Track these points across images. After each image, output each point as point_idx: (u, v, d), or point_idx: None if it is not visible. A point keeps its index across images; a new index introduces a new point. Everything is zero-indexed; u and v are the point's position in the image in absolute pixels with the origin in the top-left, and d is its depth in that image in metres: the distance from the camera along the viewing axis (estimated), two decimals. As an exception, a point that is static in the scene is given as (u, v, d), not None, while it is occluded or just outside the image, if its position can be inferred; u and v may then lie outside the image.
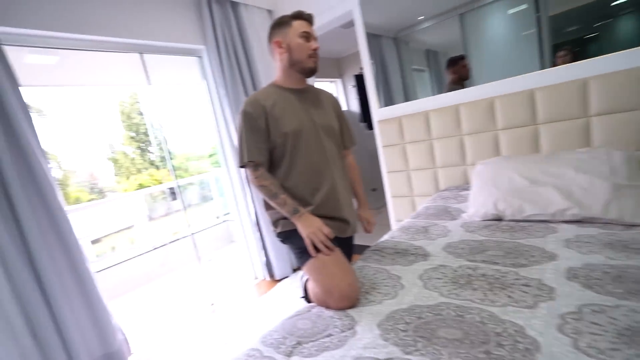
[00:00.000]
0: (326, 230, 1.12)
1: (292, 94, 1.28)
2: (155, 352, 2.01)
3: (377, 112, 2.35)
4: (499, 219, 1.40)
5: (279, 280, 2.61)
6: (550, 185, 1.29)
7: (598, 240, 1.06)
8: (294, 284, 2.44)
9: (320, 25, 2.49)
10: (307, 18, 1.26)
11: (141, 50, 2.21)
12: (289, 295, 2.28)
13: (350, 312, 0.95)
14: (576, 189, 1.24)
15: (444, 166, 2.06)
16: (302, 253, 1.16)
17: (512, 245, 1.15)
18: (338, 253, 1.13)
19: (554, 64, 1.65)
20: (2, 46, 1.54)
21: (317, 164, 1.24)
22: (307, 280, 1.34)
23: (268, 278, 2.70)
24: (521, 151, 1.74)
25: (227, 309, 2.37)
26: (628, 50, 1.44)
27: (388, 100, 2.36)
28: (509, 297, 0.85)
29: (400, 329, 0.82)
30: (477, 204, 1.48)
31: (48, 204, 1.59)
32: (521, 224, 1.31)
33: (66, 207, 1.68)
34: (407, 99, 2.28)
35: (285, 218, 1.24)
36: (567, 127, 1.59)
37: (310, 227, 1.12)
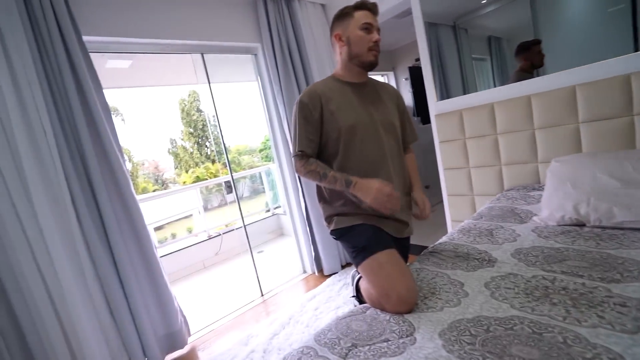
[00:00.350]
0: (387, 189, 1.05)
1: (351, 88, 1.24)
2: (211, 335, 2.13)
3: (435, 105, 2.21)
4: (580, 224, 1.23)
5: (328, 276, 2.61)
6: (651, 188, 1.09)
7: None
8: (343, 280, 2.42)
9: (374, 16, 2.41)
10: (371, 8, 1.19)
11: (203, 50, 2.33)
12: (338, 292, 2.27)
13: (408, 317, 0.90)
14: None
15: (510, 163, 1.88)
16: (357, 252, 1.13)
17: (599, 256, 0.99)
18: (395, 254, 1.08)
19: None
20: (90, 53, 1.72)
21: (373, 161, 1.20)
22: (358, 280, 1.31)
23: (317, 273, 2.72)
24: (609, 147, 1.51)
25: (276, 300, 2.44)
26: None
27: (445, 92, 2.21)
28: (600, 317, 0.73)
29: (466, 341, 0.75)
30: (552, 206, 1.31)
31: (123, 194, 1.76)
32: (609, 231, 1.14)
33: (137, 197, 1.84)
34: (466, 90, 2.12)
35: (339, 214, 1.22)
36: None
37: (370, 193, 1.07)
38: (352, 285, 1.36)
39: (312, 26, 2.57)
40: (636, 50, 1.44)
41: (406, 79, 4.21)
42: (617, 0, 1.47)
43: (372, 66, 1.22)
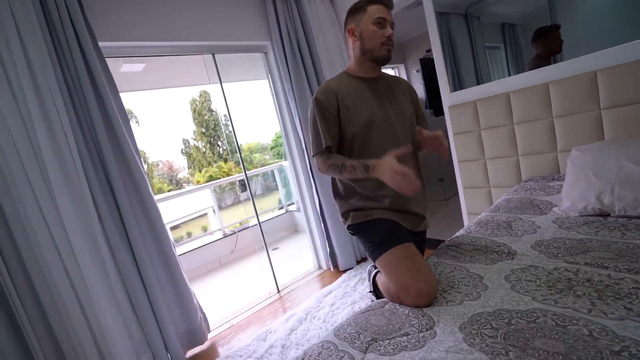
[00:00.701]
0: (398, 167, 0.97)
1: (365, 84, 1.23)
2: (230, 331, 2.17)
3: (448, 97, 2.17)
4: (604, 214, 1.19)
5: (343, 272, 2.62)
6: (680, 175, 1.05)
7: None
8: (358, 276, 2.43)
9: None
10: (385, 2, 1.17)
11: (214, 50, 2.36)
12: (353, 287, 2.27)
13: (427, 311, 0.90)
14: None
15: (528, 154, 1.83)
16: (374, 247, 1.13)
17: (625, 246, 0.96)
18: (412, 248, 1.08)
19: None
20: (106, 59, 1.76)
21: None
22: (375, 275, 1.31)
23: (332, 268, 2.73)
24: (633, 134, 1.45)
25: (292, 296, 2.46)
26: None
27: (458, 83, 2.17)
28: (628, 309, 0.71)
29: (487, 335, 0.74)
30: (573, 197, 1.28)
31: (141, 194, 1.80)
32: (636, 221, 1.10)
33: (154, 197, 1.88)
34: (479, 80, 2.07)
35: (355, 210, 1.22)
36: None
37: (386, 172, 0.99)
38: (369, 280, 1.36)
39: (321, 22, 2.55)
40: None
41: (417, 71, 4.15)
42: None
43: (385, 61, 1.21)
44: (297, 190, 2.81)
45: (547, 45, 1.73)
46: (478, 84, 2.04)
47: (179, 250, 3.97)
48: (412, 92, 1.37)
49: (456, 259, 1.14)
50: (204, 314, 2.09)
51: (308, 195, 2.69)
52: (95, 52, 1.68)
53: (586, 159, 1.35)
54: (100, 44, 1.74)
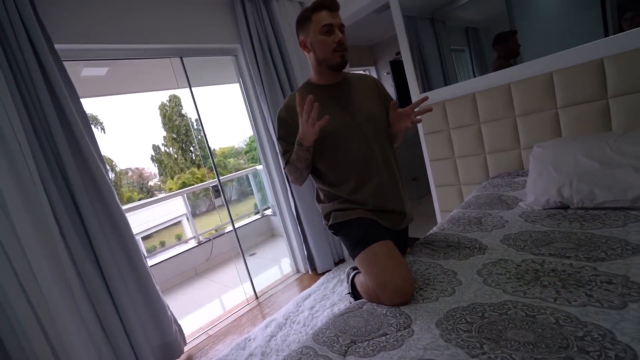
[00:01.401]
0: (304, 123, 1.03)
1: (328, 92, 1.23)
2: (208, 342, 2.10)
3: (418, 97, 2.23)
4: (564, 207, 1.26)
5: (322, 274, 2.61)
6: (630, 167, 1.13)
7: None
8: (337, 277, 2.43)
9: (353, 12, 2.41)
10: (329, 6, 1.13)
11: (182, 54, 2.29)
12: (332, 289, 2.27)
13: (405, 309, 0.91)
14: (661, 171, 1.08)
15: (494, 151, 1.92)
16: (354, 245, 1.14)
17: (583, 236, 1.03)
18: (391, 245, 1.10)
19: (621, 29, 1.45)
20: (63, 62, 1.66)
21: (362, 160, 1.20)
22: (354, 277, 1.32)
23: (310, 271, 2.71)
24: (587, 131, 1.56)
25: (271, 302, 2.42)
26: None
27: (426, 84, 2.23)
28: (589, 295, 0.75)
29: (462, 329, 0.76)
30: (537, 191, 1.35)
31: (107, 205, 1.71)
32: (592, 212, 1.17)
33: (123, 207, 1.79)
34: (447, 81, 2.15)
35: (336, 210, 1.23)
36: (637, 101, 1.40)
37: (304, 134, 1.06)
38: (348, 282, 1.37)
39: (291, 24, 2.55)
40: (606, 35, 1.49)
41: (388, 73, 4.24)
42: None
43: (341, 67, 1.18)
44: (272, 194, 2.78)
45: (506, 49, 1.83)
46: (445, 85, 2.11)
47: (152, 260, 3.80)
48: (379, 86, 1.35)
49: (431, 257, 1.17)
50: (179, 325, 2.01)
51: (284, 198, 2.67)
52: (50, 55, 1.57)
53: (547, 155, 1.43)
54: (57, 46, 1.64)
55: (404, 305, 0.93)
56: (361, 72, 4.56)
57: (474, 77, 1.98)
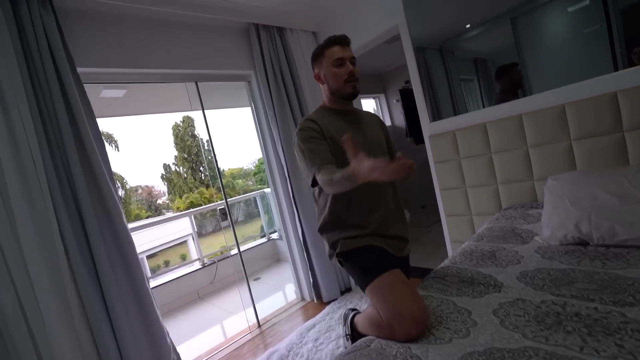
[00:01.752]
0: (373, 162, 0.91)
1: (341, 116, 1.28)
2: (206, 372, 2.01)
3: (429, 126, 2.23)
4: (583, 243, 1.21)
5: (327, 303, 2.52)
6: (652, 205, 1.08)
7: None
8: (343, 307, 2.34)
9: (365, 42, 2.48)
10: (340, 42, 1.23)
11: (197, 79, 2.36)
12: (338, 320, 2.18)
13: (416, 351, 0.85)
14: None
15: (507, 182, 1.88)
16: (366, 273, 1.11)
17: (607, 277, 0.97)
18: (402, 275, 1.07)
19: (631, 63, 1.45)
20: (84, 84, 1.72)
21: (374, 183, 1.19)
22: (353, 317, 1.28)
23: (315, 300, 2.63)
24: (603, 163, 1.52)
25: (274, 330, 2.33)
26: None
27: (436, 113, 2.24)
28: (619, 346, 0.69)
29: (480, 377, 0.70)
30: (553, 225, 1.29)
31: (114, 224, 1.70)
32: (614, 250, 1.12)
33: (129, 226, 1.78)
34: (456, 111, 2.15)
35: (344, 238, 1.20)
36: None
37: (367, 170, 0.91)
38: (346, 324, 1.32)
39: (304, 53, 2.62)
40: (616, 69, 1.49)
41: (397, 101, 4.30)
42: (593, 22, 1.54)
43: (353, 96, 1.26)
44: (279, 218, 2.75)
45: (510, 80, 1.86)
46: (455, 114, 2.12)
47: (154, 282, 3.75)
48: (383, 125, 1.44)
49: (443, 292, 1.11)
50: (177, 354, 1.93)
51: (291, 223, 2.64)
52: (72, 78, 1.64)
53: (562, 188, 1.39)
54: (79, 69, 1.70)
55: (418, 340, 0.88)
56: (372, 99, 4.64)
57: (483, 106, 1.98)
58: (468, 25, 1.99)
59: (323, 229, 1.29)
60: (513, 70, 1.84)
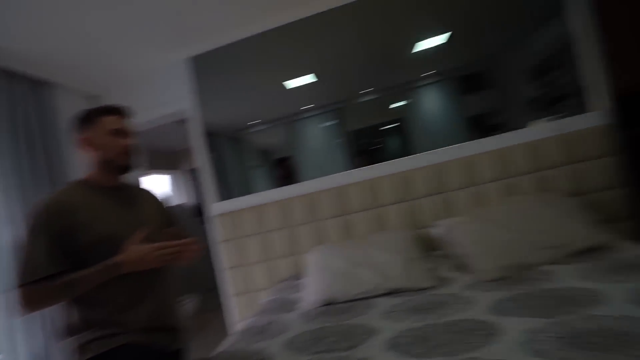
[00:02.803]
0: (150, 246, 0.97)
1: (105, 194, 1.10)
2: None
3: (215, 206, 2.30)
4: (331, 303, 1.49)
5: None
6: (365, 266, 1.52)
7: (406, 307, 1.27)
8: None
9: (151, 119, 2.42)
10: (119, 113, 1.13)
11: None
12: None
13: None
14: (383, 266, 1.51)
15: (284, 256, 2.14)
16: None
17: (346, 327, 1.21)
18: None
19: (358, 165, 2.14)
20: None
21: (142, 270, 1.04)
22: None
23: None
24: (343, 237, 2.02)
25: None
26: (399, 158, 2.05)
27: (227, 194, 2.37)
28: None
29: None
30: (311, 292, 1.55)
31: None
32: (348, 304, 1.44)
33: None
34: (246, 193, 2.37)
35: (98, 338, 0.96)
36: (372, 215, 2.02)
37: (137, 259, 0.97)
38: None
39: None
40: (350, 168, 2.16)
41: (189, 180, 4.27)
42: (339, 136, 2.26)
43: (127, 170, 1.14)
44: (4, 332, 1.86)
45: (285, 169, 2.33)
46: (244, 194, 2.31)
47: None
48: (160, 201, 1.33)
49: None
50: None
51: (22, 337, 1.84)
52: None
53: (316, 259, 1.73)
54: None
55: None
56: (165, 175, 4.38)
57: (268, 189, 2.29)
58: (256, 121, 2.37)
59: (68, 332, 1.00)
60: (285, 162, 2.31)
